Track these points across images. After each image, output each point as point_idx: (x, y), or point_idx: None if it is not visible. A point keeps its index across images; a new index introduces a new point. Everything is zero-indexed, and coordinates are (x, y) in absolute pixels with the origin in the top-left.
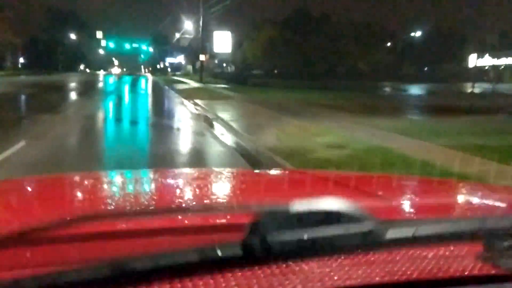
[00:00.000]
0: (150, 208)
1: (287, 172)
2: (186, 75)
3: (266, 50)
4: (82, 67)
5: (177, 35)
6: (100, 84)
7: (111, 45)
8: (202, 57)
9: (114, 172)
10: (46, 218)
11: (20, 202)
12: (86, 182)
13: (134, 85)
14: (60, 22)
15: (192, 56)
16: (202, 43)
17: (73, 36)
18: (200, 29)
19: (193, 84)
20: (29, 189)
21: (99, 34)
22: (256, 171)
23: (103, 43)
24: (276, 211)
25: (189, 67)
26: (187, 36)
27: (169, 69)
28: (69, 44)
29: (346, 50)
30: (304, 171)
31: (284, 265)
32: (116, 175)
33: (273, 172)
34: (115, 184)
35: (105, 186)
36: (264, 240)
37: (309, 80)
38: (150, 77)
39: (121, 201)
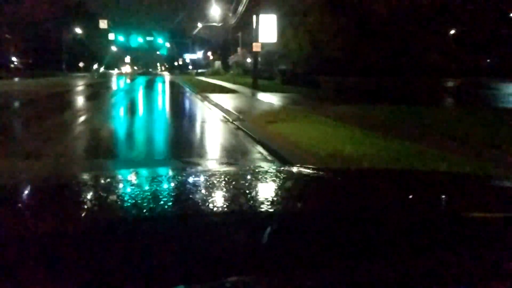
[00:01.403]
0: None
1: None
2: (215, 74)
3: (316, 41)
4: (95, 66)
5: (199, 25)
6: (94, 99)
7: (121, 38)
8: (256, 47)
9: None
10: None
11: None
12: (88, 185)
13: (149, 105)
14: (66, 16)
15: (222, 50)
16: (256, 22)
17: (79, 30)
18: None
19: (246, 91)
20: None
21: (103, 24)
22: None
23: (111, 36)
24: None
25: (218, 64)
26: (214, 24)
27: (190, 67)
28: (76, 40)
29: (413, 38)
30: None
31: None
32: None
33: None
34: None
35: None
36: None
37: (364, 77)
38: (169, 77)
39: (127, 205)
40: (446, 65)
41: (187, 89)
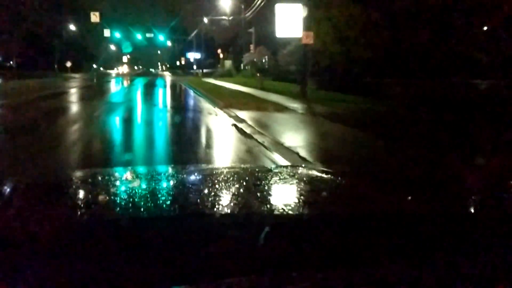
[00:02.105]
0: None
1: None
2: (226, 76)
3: (343, 37)
4: (94, 65)
5: (205, 20)
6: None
7: (118, 35)
8: (308, 37)
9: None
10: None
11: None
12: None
13: (148, 145)
14: (57, 11)
15: (234, 47)
16: (306, 5)
17: (72, 27)
18: None
19: (296, 106)
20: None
21: (94, 17)
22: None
23: (107, 33)
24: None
25: (229, 63)
26: (224, 18)
27: (194, 67)
28: (69, 37)
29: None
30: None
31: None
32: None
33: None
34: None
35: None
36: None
37: (402, 78)
38: (172, 79)
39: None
40: (490, 63)
41: (202, 100)
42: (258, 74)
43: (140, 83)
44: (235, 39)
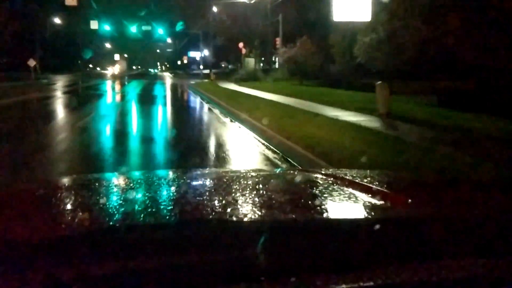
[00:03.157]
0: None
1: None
2: (251, 79)
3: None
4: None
5: (214, 9)
6: None
7: (107, 28)
8: None
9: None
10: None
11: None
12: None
13: None
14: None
15: (260, 40)
16: None
17: (57, 20)
18: None
19: None
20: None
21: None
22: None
23: (94, 24)
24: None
25: (250, 61)
26: (244, 0)
27: (201, 66)
28: (52, 32)
29: None
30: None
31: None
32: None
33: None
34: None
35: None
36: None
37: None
38: (175, 83)
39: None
40: None
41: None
42: (378, 83)
43: (132, 91)
44: (255, 31)
